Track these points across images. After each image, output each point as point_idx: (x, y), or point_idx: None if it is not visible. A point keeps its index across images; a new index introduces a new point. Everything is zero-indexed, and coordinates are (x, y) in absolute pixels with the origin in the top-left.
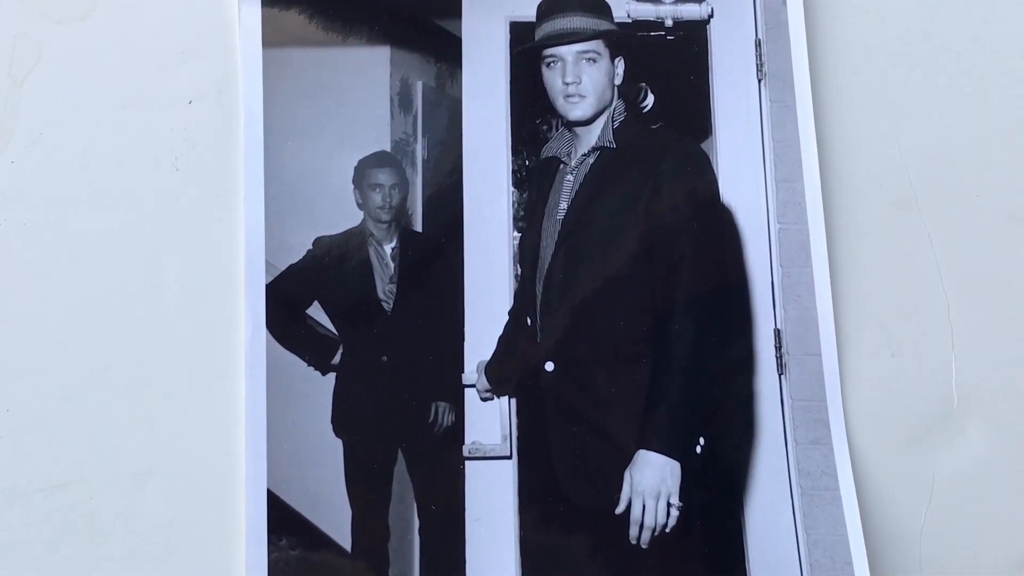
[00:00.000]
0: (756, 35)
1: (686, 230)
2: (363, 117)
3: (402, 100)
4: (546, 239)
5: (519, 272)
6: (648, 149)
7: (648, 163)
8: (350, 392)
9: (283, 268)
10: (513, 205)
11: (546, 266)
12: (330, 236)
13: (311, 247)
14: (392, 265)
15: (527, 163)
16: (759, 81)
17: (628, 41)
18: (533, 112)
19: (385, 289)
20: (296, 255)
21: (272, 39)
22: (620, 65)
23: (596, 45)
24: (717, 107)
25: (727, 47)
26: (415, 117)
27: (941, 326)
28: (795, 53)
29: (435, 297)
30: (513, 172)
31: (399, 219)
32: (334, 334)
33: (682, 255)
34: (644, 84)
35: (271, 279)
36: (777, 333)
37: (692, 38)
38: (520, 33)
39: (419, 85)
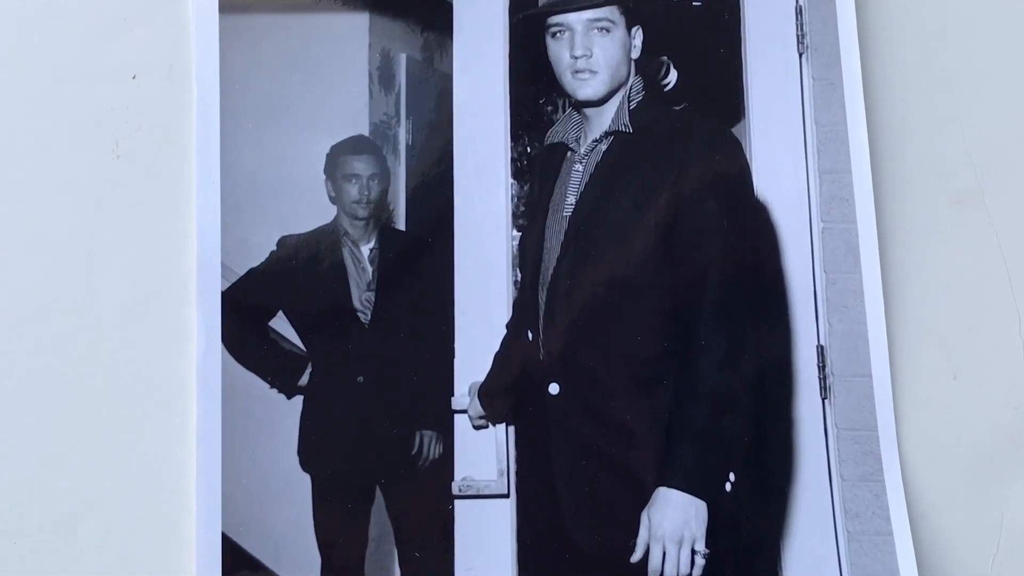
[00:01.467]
0: (797, 1)
1: (714, 229)
2: (337, 96)
3: (382, 76)
4: (550, 239)
5: (518, 278)
6: (670, 134)
7: (670, 150)
8: (320, 419)
9: (242, 272)
10: (512, 199)
11: (550, 271)
12: (297, 235)
13: (275, 248)
14: (370, 269)
15: (528, 150)
16: (800, 55)
17: (647, 7)
18: (536, 91)
19: (362, 297)
20: (257, 257)
21: (230, 3)
22: (638, 36)
23: (610, 12)
24: (751, 85)
25: (763, 14)
26: (398, 96)
27: (1010, 342)
28: (842, 22)
29: (420, 307)
30: (512, 161)
31: (378, 215)
32: (302, 350)
33: (709, 258)
34: (666, 58)
35: (228, 286)
36: (820, 350)
37: (722, 4)
38: None
39: (402, 58)
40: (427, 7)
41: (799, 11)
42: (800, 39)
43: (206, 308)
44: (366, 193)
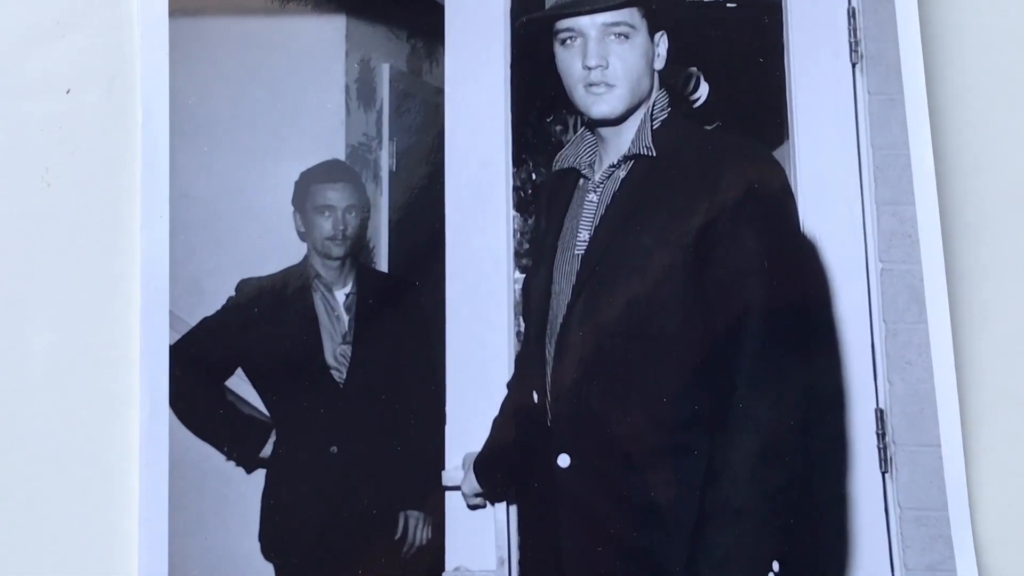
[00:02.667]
0: (849, 2)
1: (753, 270)
2: (307, 113)
3: (361, 90)
4: (560, 283)
5: (522, 328)
6: (700, 158)
7: (700, 177)
8: (286, 497)
9: (194, 323)
10: (514, 235)
11: (559, 320)
12: (260, 278)
13: (234, 293)
14: (346, 318)
15: (533, 178)
16: (853, 65)
17: (673, 9)
18: (542, 107)
19: (336, 352)
20: (212, 304)
21: (182, 5)
22: (662, 43)
23: (629, 15)
24: (796, 101)
25: (810, 17)
26: (379, 113)
27: None
28: (903, 26)
29: (405, 363)
30: (515, 190)
31: (356, 255)
32: (265, 415)
33: (748, 305)
34: (695, 69)
35: (177, 338)
36: (879, 415)
37: (761, 5)
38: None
39: (385, 69)
40: (414, 8)
41: (852, 13)
42: (853, 46)
43: (151, 365)
44: (341, 228)
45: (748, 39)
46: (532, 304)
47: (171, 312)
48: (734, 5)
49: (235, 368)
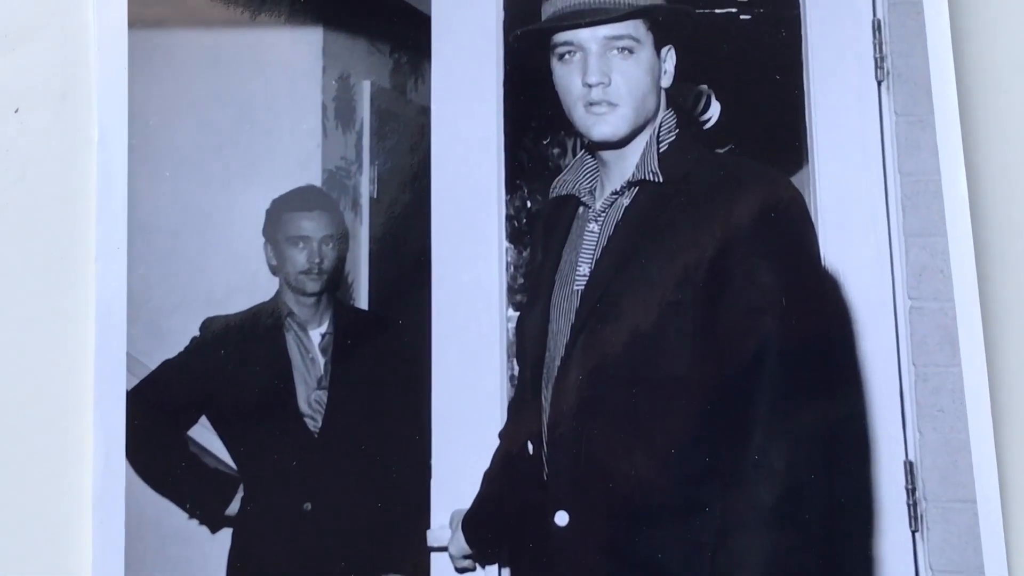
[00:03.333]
0: (874, 14)
1: (770, 308)
2: (280, 135)
3: (340, 109)
4: (558, 321)
5: (516, 372)
6: (711, 185)
7: (711, 206)
8: (255, 558)
9: (154, 366)
10: (508, 269)
11: (557, 363)
12: (227, 316)
13: (198, 333)
14: (321, 361)
15: (528, 206)
16: (879, 83)
17: (682, 22)
18: (538, 128)
19: (310, 398)
20: (175, 345)
21: (142, 15)
22: (669, 58)
23: (633, 27)
24: (816, 122)
25: (832, 30)
26: (359, 135)
27: None
28: (933, 39)
29: (387, 411)
30: (508, 219)
31: (333, 290)
32: (232, 469)
33: (764, 347)
34: (705, 86)
35: (136, 383)
36: (909, 467)
37: (778, 17)
38: (520, 9)
39: (365, 86)
40: (398, 20)
41: (877, 26)
42: (879, 62)
43: (106, 413)
44: (317, 261)
45: (764, 54)
46: (527, 345)
47: (128, 354)
48: (748, 17)
49: (199, 416)
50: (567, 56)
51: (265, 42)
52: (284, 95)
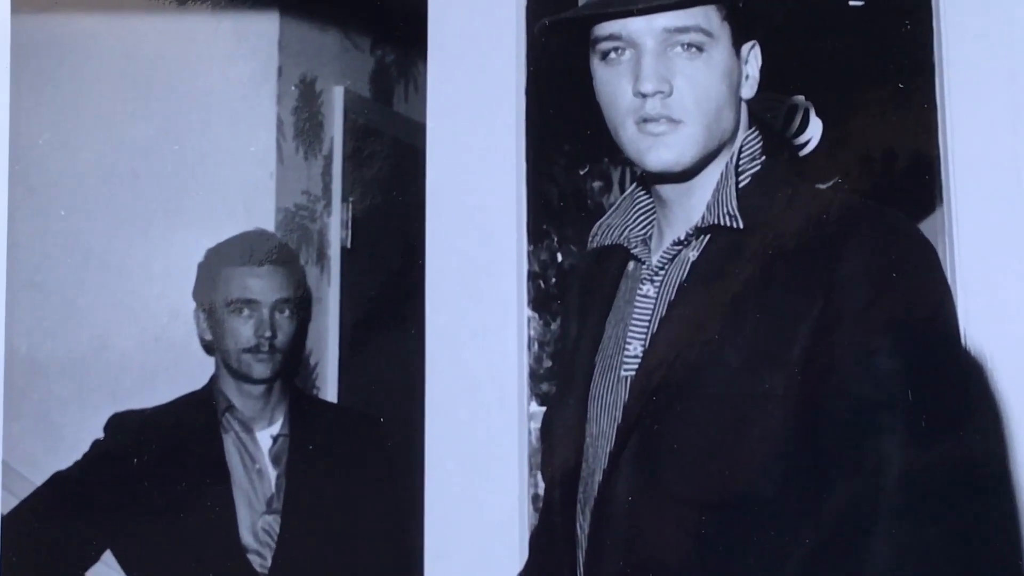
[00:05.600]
0: None
1: (892, 405)
2: (219, 160)
3: (302, 125)
4: (599, 421)
5: (541, 490)
6: (810, 234)
7: (811, 263)
8: None
9: (41, 481)
10: (531, 347)
11: (597, 479)
12: (142, 412)
13: (102, 435)
14: (272, 475)
15: (559, 259)
16: None
17: (770, 8)
18: (572, 153)
19: (257, 527)
20: (70, 452)
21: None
22: (753, 59)
23: (704, 16)
24: (952, 148)
25: (974, 23)
26: (327, 160)
27: None
28: None
29: (360, 546)
30: (531, 277)
31: (289, 376)
32: None
33: (883, 458)
34: (802, 98)
35: (14, 504)
36: None
37: (902, 4)
38: None
39: (337, 94)
40: (382, 3)
41: None
42: None
43: None
44: (267, 334)
45: (881, 54)
46: (557, 453)
47: (4, 463)
48: (860, 3)
49: (101, 551)
50: (613, 55)
51: (199, 34)
52: (224, 105)
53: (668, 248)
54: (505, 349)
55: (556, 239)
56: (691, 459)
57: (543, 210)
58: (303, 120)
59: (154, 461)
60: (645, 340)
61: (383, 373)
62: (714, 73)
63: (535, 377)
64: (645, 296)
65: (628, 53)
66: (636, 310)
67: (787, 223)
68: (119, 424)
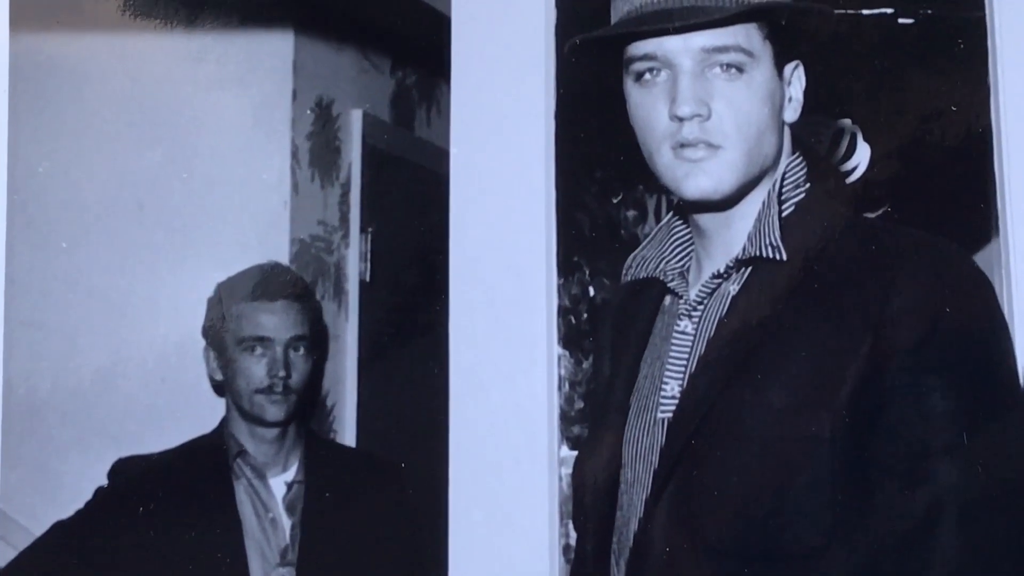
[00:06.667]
0: None
1: (947, 450)
2: (231, 189)
3: (318, 151)
4: (634, 466)
5: (572, 540)
6: (859, 267)
7: (859, 298)
8: None
9: (41, 530)
10: (561, 387)
11: (632, 528)
12: (148, 457)
13: (105, 482)
14: (287, 524)
15: (591, 293)
16: None
17: (815, 26)
18: (604, 181)
19: None
20: (71, 500)
21: (30, 16)
22: (797, 80)
23: (745, 35)
24: (1010, 175)
25: None
26: (345, 188)
27: None
28: None
29: None
30: (561, 313)
31: (304, 419)
32: None
33: (938, 505)
34: (849, 122)
35: (12, 556)
36: None
37: (955, 20)
38: (580, 7)
39: (355, 117)
40: (403, 22)
41: None
42: None
43: None
44: (281, 374)
45: (933, 74)
46: (588, 500)
47: (1, 512)
48: (910, 21)
49: None
50: (648, 76)
51: (210, 53)
52: (236, 131)
53: (707, 281)
54: (534, 390)
55: (588, 272)
56: (732, 507)
57: (574, 241)
58: (319, 146)
59: (161, 509)
60: (683, 380)
61: (404, 415)
62: (755, 95)
63: (566, 419)
64: (683, 333)
65: (664, 74)
66: (673, 348)
67: (833, 255)
68: (123, 470)
